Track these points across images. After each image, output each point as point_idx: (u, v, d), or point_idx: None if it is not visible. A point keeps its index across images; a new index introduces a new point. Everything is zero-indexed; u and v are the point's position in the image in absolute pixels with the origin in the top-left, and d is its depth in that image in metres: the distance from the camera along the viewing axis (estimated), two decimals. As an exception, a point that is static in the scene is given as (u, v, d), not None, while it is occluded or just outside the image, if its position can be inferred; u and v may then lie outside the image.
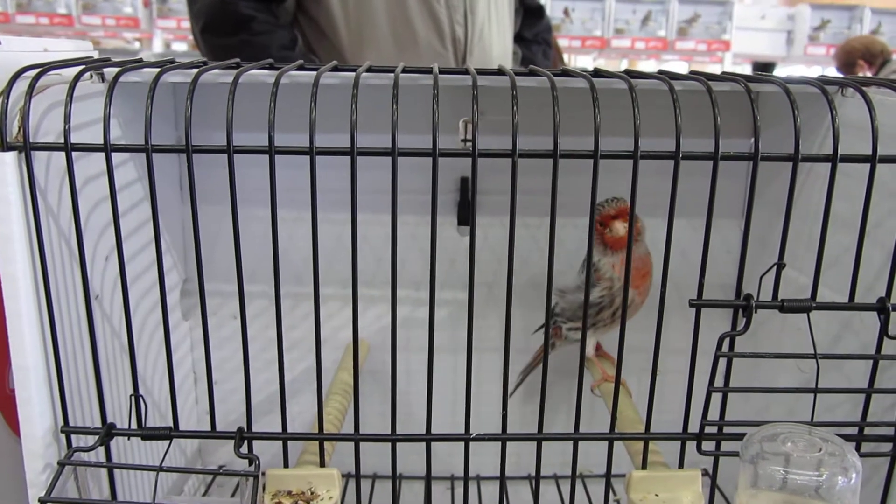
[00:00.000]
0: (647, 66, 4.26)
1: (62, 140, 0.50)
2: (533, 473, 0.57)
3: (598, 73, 0.60)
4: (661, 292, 0.54)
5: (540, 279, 0.86)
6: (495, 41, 1.22)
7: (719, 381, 0.54)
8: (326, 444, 0.58)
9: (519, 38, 1.32)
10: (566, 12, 3.85)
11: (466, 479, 0.57)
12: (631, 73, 0.59)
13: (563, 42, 3.72)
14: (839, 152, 0.50)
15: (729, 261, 0.85)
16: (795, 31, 4.03)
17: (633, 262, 0.55)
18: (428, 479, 0.58)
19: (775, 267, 0.52)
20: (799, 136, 0.50)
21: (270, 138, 0.49)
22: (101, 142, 0.50)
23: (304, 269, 0.83)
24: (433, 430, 0.56)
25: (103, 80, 0.61)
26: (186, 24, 1.25)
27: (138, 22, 3.88)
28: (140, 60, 0.61)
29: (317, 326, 0.54)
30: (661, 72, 0.60)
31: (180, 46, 4.17)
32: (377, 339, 0.87)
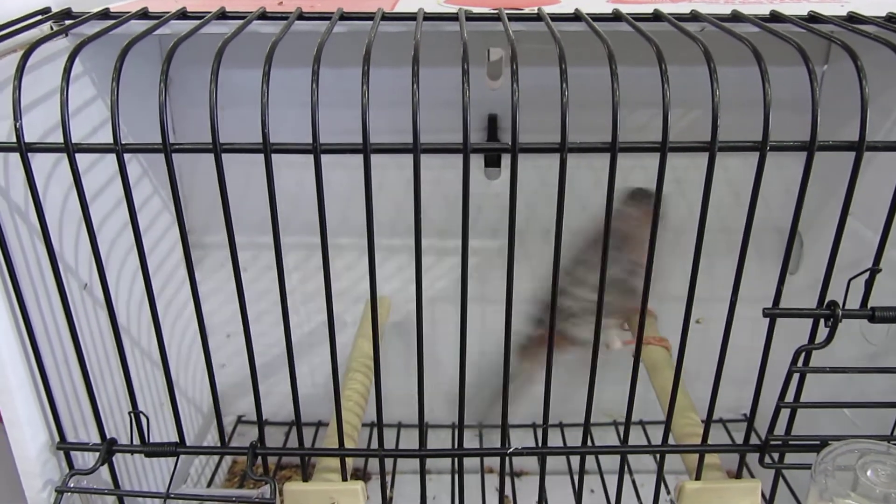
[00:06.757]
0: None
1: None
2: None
3: (617, 15, 0.49)
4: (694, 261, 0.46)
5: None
6: None
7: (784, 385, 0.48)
8: (353, 416, 0.54)
9: None
10: None
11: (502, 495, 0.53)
12: (659, 16, 0.49)
13: None
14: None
15: (788, 200, 0.76)
16: None
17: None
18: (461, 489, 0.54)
19: (867, 273, 0.44)
20: (865, 120, 0.40)
21: (265, 136, 0.41)
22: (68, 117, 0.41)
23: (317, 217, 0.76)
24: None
25: (66, 35, 0.51)
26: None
27: None
28: (106, 10, 0.51)
29: (332, 343, 0.48)
30: (693, 12, 0.49)
31: None
32: (400, 290, 0.81)
